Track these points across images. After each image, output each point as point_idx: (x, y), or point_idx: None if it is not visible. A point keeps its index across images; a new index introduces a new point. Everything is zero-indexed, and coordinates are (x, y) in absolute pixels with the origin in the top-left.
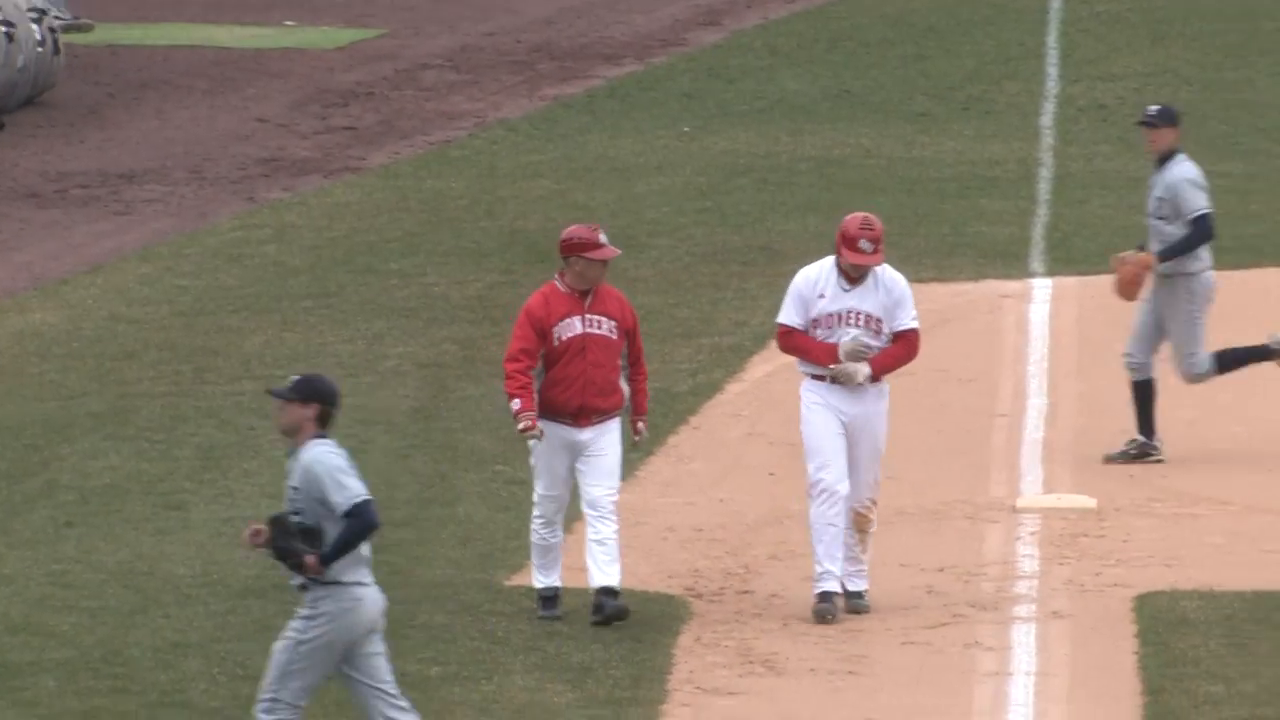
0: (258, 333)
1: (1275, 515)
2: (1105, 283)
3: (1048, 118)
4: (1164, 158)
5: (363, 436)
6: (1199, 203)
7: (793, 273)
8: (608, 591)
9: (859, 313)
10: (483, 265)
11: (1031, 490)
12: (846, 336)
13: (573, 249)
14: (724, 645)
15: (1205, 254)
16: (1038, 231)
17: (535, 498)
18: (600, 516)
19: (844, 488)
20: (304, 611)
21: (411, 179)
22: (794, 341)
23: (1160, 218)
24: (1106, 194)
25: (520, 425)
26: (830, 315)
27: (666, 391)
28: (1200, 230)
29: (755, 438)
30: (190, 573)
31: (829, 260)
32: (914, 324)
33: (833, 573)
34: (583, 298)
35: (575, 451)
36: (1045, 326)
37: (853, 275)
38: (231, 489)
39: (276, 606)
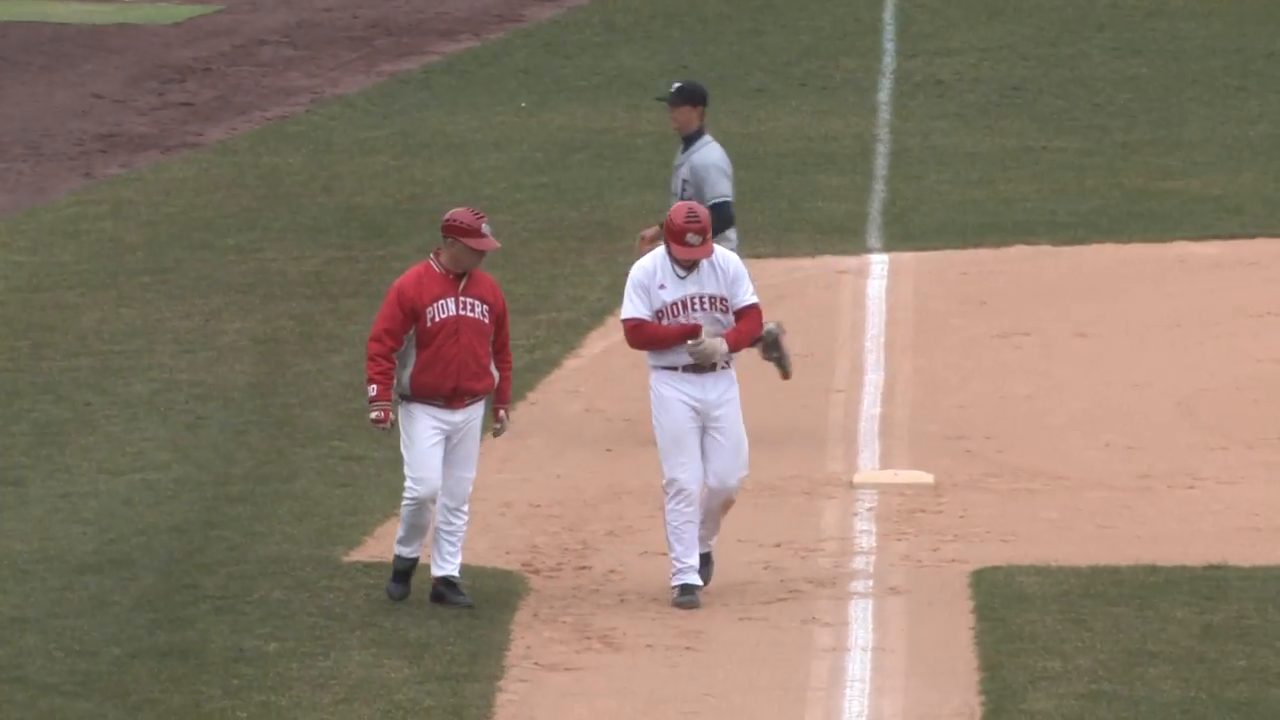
0: (94, 308)
1: (1111, 490)
2: (943, 258)
3: (884, 93)
4: (690, 138)
5: (199, 412)
6: (721, 189)
7: (630, 249)
8: (448, 583)
9: (701, 296)
10: (319, 241)
11: (868, 466)
12: (700, 321)
13: (453, 231)
14: (561, 621)
15: (733, 234)
16: (875, 207)
17: (408, 482)
18: (455, 508)
19: (697, 485)
20: None
21: (248, 155)
22: (645, 332)
23: (685, 198)
24: (943, 170)
25: (372, 415)
26: (674, 304)
27: None
28: (721, 218)
29: (593, 414)
30: (27, 548)
31: (660, 250)
32: (754, 299)
33: (693, 567)
34: (457, 280)
35: (446, 433)
36: (882, 302)
37: (685, 264)
38: (69, 465)
39: (114, 582)
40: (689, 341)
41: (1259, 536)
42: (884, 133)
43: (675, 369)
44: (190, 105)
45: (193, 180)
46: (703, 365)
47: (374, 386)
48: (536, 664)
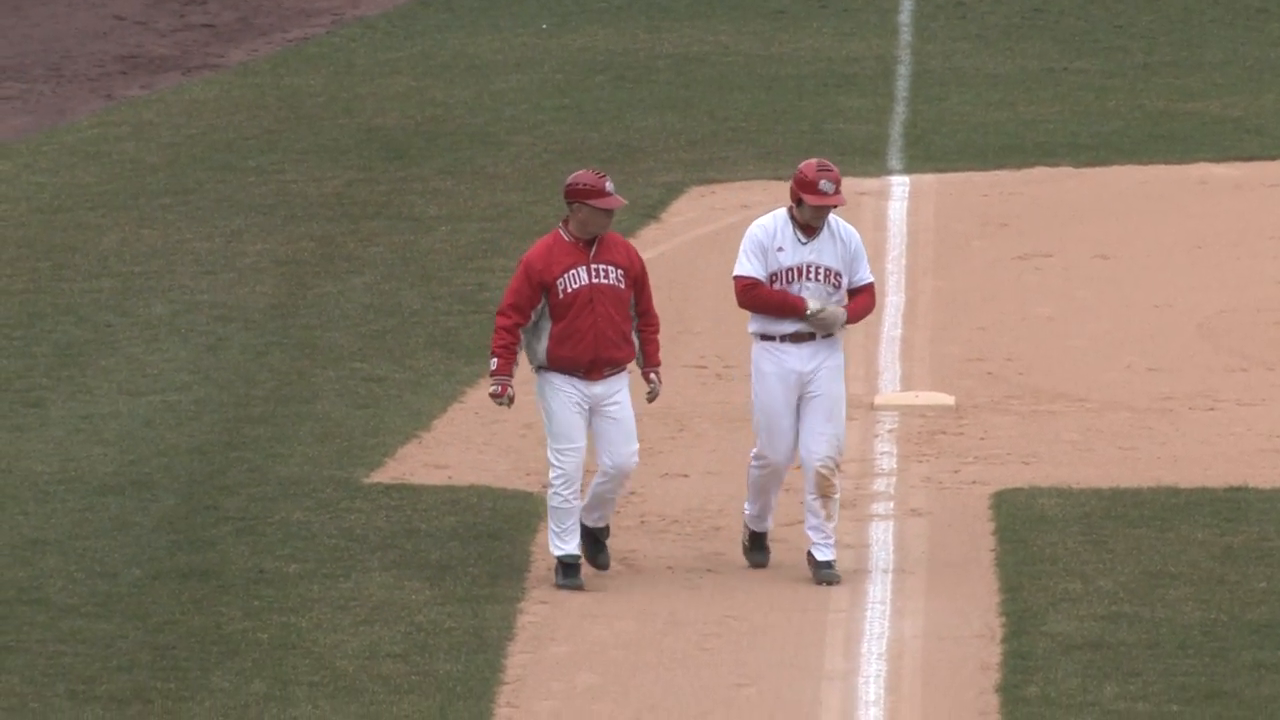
0: (115, 230)
1: (1132, 412)
2: (964, 180)
3: (906, 15)
4: None
5: (220, 333)
6: None
7: (651, 170)
8: (596, 538)
9: (818, 266)
10: (340, 162)
11: (890, 387)
12: (806, 292)
13: (577, 195)
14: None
15: None
16: (896, 129)
17: (552, 457)
18: (621, 482)
19: (786, 463)
20: None
21: (269, 76)
22: (757, 294)
23: None
24: (964, 91)
25: (490, 389)
26: (789, 269)
27: None
28: None
29: None
30: (48, 470)
31: (781, 212)
32: (871, 278)
33: (762, 519)
34: (588, 247)
35: (590, 404)
36: (903, 224)
37: (810, 226)
38: (89, 385)
39: (135, 503)
40: (811, 308)
41: None
42: (905, 54)
43: (774, 338)
44: (211, 27)
45: (214, 102)
46: (816, 331)
47: (495, 360)
48: (557, 586)
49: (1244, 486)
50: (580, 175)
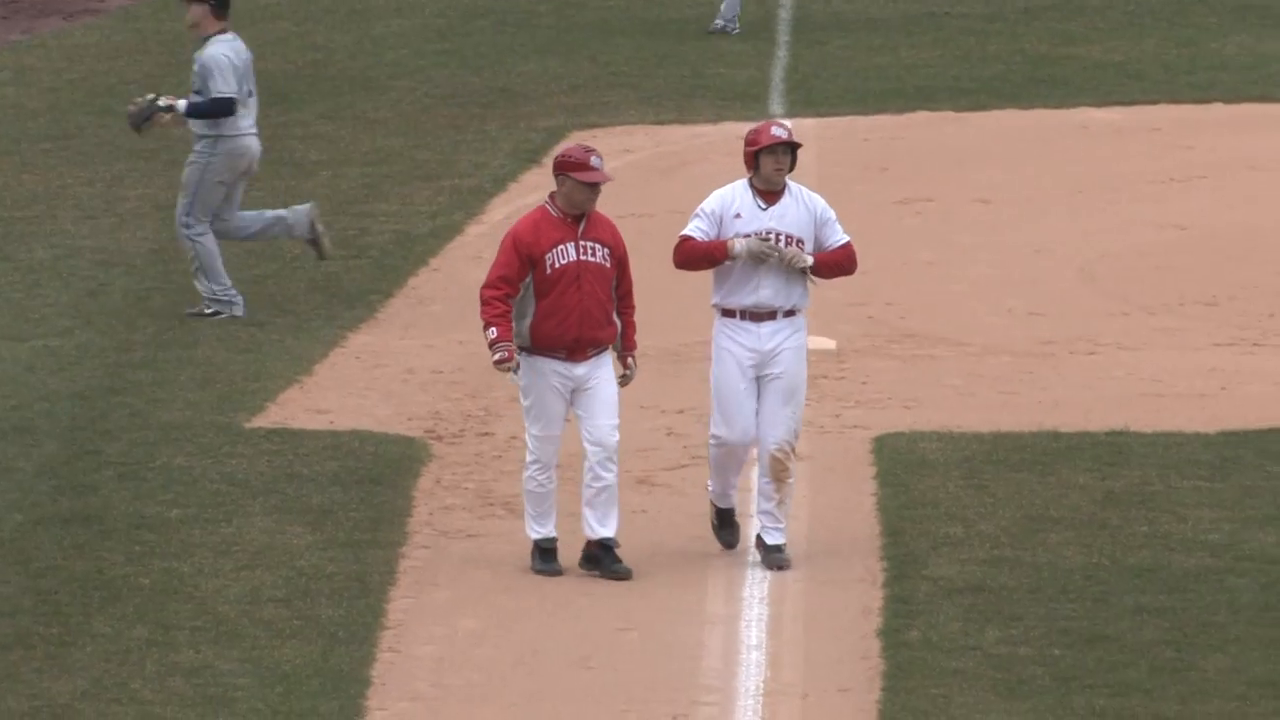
0: None
1: (1013, 357)
2: (845, 124)
3: None
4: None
5: (102, 278)
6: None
7: (532, 114)
8: (604, 546)
9: (778, 233)
10: None
11: None
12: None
13: (562, 167)
14: (464, 488)
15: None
16: (777, 74)
17: (530, 442)
18: (604, 460)
19: (742, 443)
20: None
21: (151, 21)
22: (683, 248)
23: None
24: (845, 36)
25: (496, 357)
26: (748, 236)
27: (406, 234)
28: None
29: None
30: None
31: (741, 181)
32: (846, 238)
33: (726, 496)
34: (576, 223)
35: (570, 388)
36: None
37: (770, 192)
38: None
39: (16, 448)
40: (735, 249)
41: (1160, 402)
42: None
43: (735, 314)
44: None
45: (95, 47)
46: (767, 259)
47: (493, 330)
48: (439, 531)
49: (1125, 431)
50: (569, 147)
